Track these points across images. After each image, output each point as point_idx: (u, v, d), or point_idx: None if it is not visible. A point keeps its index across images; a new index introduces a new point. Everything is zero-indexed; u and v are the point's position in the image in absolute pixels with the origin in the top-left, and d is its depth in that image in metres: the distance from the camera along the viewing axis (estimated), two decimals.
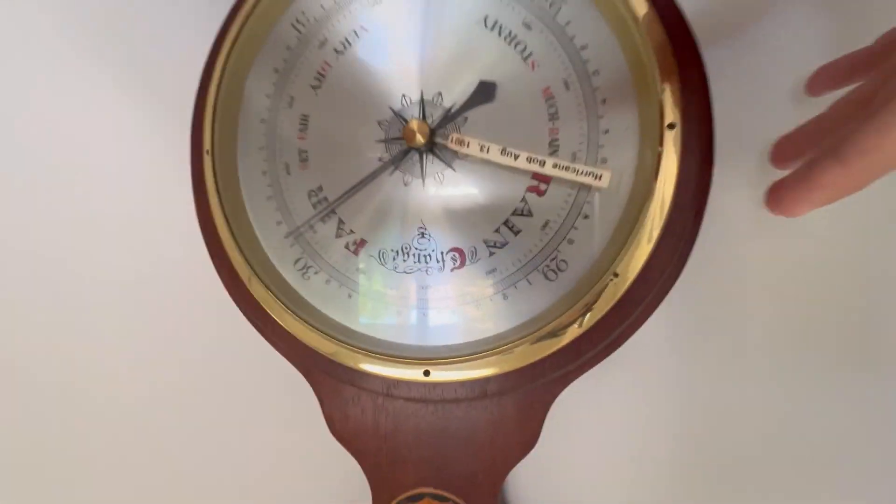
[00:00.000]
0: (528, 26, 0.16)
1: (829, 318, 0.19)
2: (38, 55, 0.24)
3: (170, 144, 0.22)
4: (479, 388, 0.17)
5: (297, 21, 0.18)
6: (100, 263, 0.24)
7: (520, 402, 0.18)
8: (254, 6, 0.17)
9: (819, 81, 0.18)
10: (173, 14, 0.22)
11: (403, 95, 0.17)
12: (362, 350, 0.17)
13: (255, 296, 0.18)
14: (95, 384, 0.25)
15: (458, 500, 0.19)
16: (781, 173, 0.16)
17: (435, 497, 0.19)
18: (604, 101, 0.16)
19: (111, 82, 0.23)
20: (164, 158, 0.22)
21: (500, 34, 0.17)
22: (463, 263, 0.17)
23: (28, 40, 0.24)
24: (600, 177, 0.16)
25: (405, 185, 0.17)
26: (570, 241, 0.16)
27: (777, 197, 0.14)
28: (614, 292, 0.16)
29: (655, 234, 0.16)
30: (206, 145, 0.18)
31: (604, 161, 0.16)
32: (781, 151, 0.18)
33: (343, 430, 0.19)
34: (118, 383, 0.24)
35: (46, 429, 0.25)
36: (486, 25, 0.17)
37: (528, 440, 0.18)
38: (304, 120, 0.18)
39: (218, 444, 0.23)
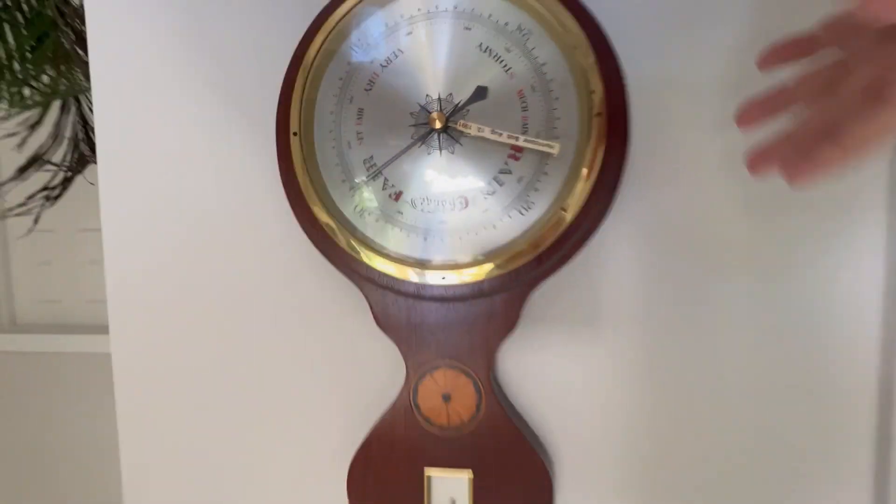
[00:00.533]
0: (508, 50, 0.25)
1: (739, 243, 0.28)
2: (147, 73, 0.32)
3: (256, 130, 0.30)
4: (477, 289, 0.26)
5: (357, 44, 0.26)
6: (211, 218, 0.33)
7: (505, 298, 0.27)
8: (329, 32, 0.26)
9: (769, 59, 0.22)
10: (259, 33, 0.31)
11: (427, 95, 0.26)
12: (401, 264, 0.26)
13: (327, 232, 0.27)
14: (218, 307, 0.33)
15: (465, 367, 0.28)
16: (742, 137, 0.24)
17: (449, 367, 0.28)
18: (556, 98, 0.25)
19: (210, 89, 0.31)
20: (253, 140, 0.31)
21: (489, 55, 0.25)
22: (466, 205, 0.26)
23: (141, 61, 0.32)
24: (554, 147, 0.25)
25: (428, 154, 0.26)
26: (536, 189, 0.25)
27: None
28: (563, 221, 0.25)
29: (590, 182, 0.25)
30: (294, 129, 0.27)
31: (556, 137, 0.25)
32: (748, 113, 0.22)
33: (386, 324, 0.28)
34: (231, 299, 0.33)
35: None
36: (480, 49, 0.25)
37: (511, 324, 0.27)
38: (360, 112, 0.27)
39: (290, 340, 0.32)
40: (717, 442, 0.28)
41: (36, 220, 1.06)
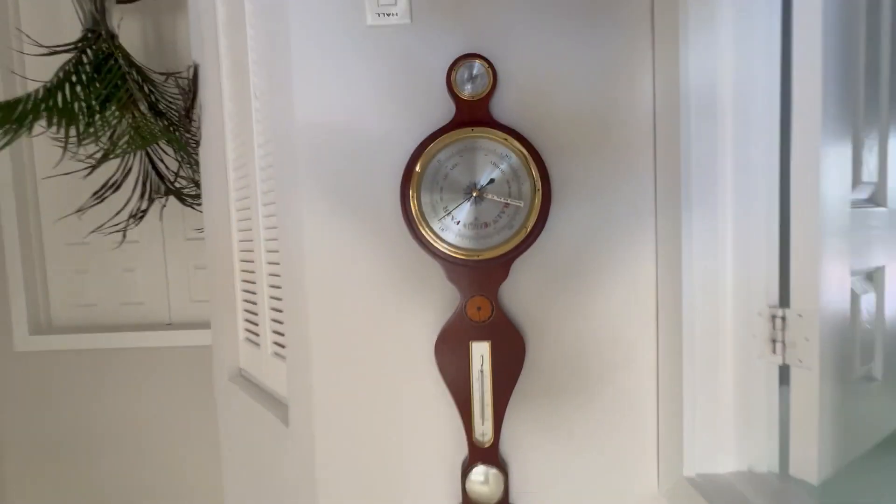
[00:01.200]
0: (501, 164, 0.62)
1: None
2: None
3: (390, 183, 0.66)
4: (489, 261, 0.63)
5: (438, 158, 0.63)
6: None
7: (502, 263, 0.64)
8: (426, 157, 0.62)
9: None
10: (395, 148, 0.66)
11: (470, 181, 0.63)
12: (457, 249, 0.62)
13: (426, 236, 0.63)
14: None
15: (485, 295, 0.64)
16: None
17: (478, 295, 0.64)
18: (520, 183, 0.62)
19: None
20: (387, 184, 0.66)
21: (495, 165, 0.63)
22: (486, 227, 0.63)
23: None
24: (521, 203, 0.62)
25: (470, 205, 0.63)
26: (515, 212, 0.63)
27: None
28: (526, 229, 0.62)
29: (534, 216, 0.62)
30: (412, 194, 0.62)
31: (521, 199, 0.62)
32: None
33: (450, 277, 0.64)
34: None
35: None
36: (491, 163, 0.63)
37: (504, 276, 0.64)
38: (441, 189, 0.63)
39: (408, 291, 0.67)
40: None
41: (124, 236, 1.32)
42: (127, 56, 1.37)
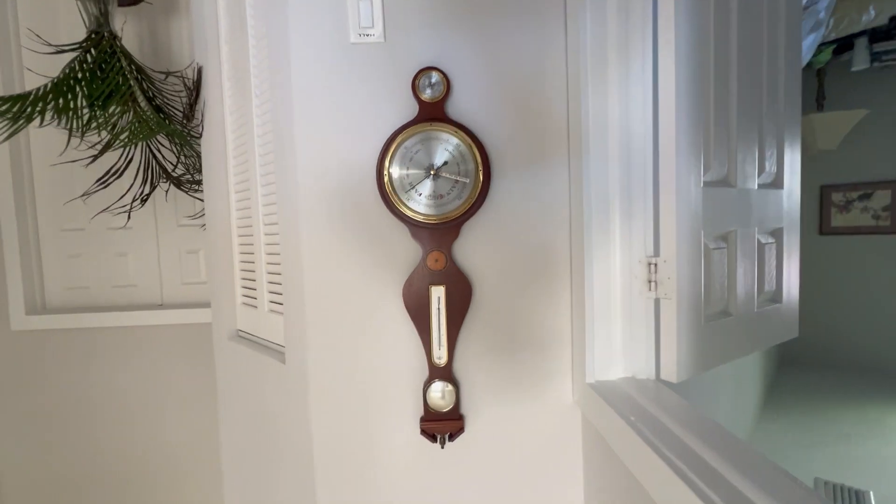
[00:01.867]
0: (452, 149, 0.83)
1: None
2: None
3: (367, 154, 0.86)
4: (445, 223, 0.83)
5: (405, 146, 0.83)
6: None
7: (454, 225, 0.84)
8: (399, 140, 0.82)
9: None
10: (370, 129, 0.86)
11: (430, 164, 0.83)
12: (418, 214, 0.83)
13: (395, 203, 0.83)
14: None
15: (442, 249, 0.85)
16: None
17: (437, 250, 0.85)
18: (466, 163, 0.83)
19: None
20: (363, 160, 0.86)
21: (447, 151, 0.83)
22: (441, 198, 0.83)
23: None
24: (467, 180, 0.83)
25: (429, 181, 0.83)
26: (463, 187, 0.83)
27: None
28: (473, 198, 0.83)
29: (477, 189, 0.83)
30: (385, 172, 0.82)
31: (467, 176, 0.83)
32: None
33: (414, 235, 0.84)
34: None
35: None
36: (445, 150, 0.83)
37: (456, 234, 0.85)
38: (408, 167, 0.83)
39: (377, 246, 0.87)
40: None
41: (129, 217, 1.47)
42: (128, 56, 1.52)
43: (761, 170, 0.97)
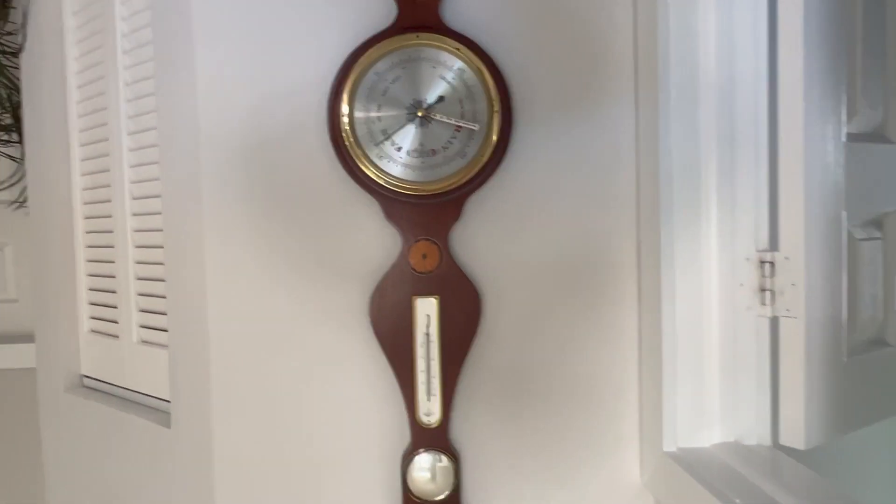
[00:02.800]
0: (453, 78, 0.85)
1: None
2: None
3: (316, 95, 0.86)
4: (440, 196, 0.85)
5: (376, 71, 0.84)
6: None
7: (453, 201, 0.86)
8: (362, 65, 0.83)
9: None
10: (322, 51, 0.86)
11: (414, 98, 0.84)
12: (400, 183, 0.84)
13: (360, 164, 0.84)
14: None
15: (433, 239, 0.86)
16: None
17: (425, 239, 0.86)
18: (476, 102, 0.85)
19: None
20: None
21: (444, 80, 0.85)
22: (434, 154, 0.85)
23: None
24: (476, 126, 0.85)
25: (415, 128, 0.85)
26: (469, 138, 0.85)
27: None
28: (484, 157, 0.85)
29: (494, 138, 0.85)
30: (347, 88, 0.83)
31: (476, 122, 0.85)
32: None
33: (390, 215, 0.85)
34: None
35: None
36: (440, 77, 0.85)
37: (457, 216, 0.86)
38: (380, 107, 0.84)
39: (336, 228, 0.88)
40: None
41: None
42: None
43: None
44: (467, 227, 0.89)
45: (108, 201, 1.13)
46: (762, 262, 0.87)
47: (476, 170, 0.85)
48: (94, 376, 1.21)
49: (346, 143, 0.84)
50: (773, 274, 0.86)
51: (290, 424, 0.88)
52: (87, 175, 1.20)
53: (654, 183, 0.87)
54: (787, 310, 0.84)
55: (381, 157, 0.85)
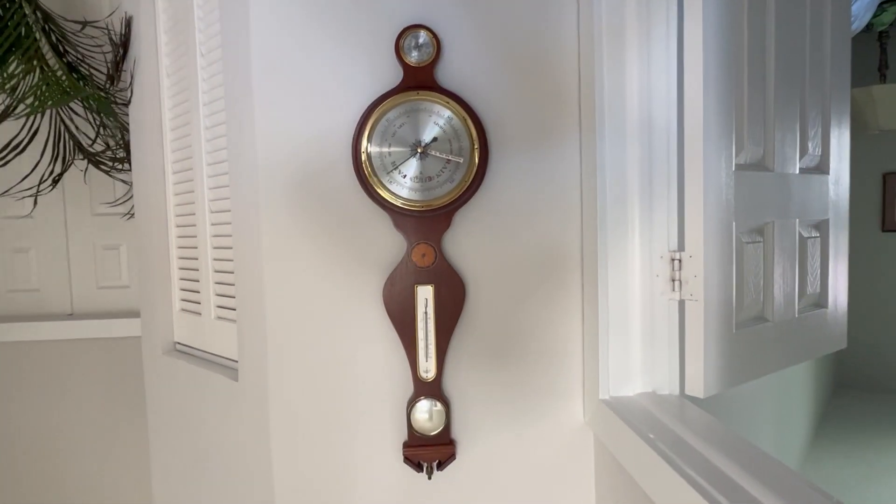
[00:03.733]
0: (444, 124, 0.89)
1: None
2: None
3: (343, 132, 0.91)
4: (433, 210, 0.89)
5: (387, 118, 0.88)
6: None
7: (445, 214, 0.90)
8: (378, 114, 0.88)
9: None
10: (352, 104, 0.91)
11: (416, 139, 0.89)
12: (404, 201, 0.88)
13: (376, 188, 0.88)
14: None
15: (430, 243, 0.90)
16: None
17: (424, 243, 0.90)
18: (461, 141, 0.89)
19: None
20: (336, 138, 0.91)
21: (437, 126, 0.89)
22: (430, 180, 0.89)
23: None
24: (460, 160, 0.89)
25: (416, 161, 0.89)
26: (456, 168, 0.89)
27: None
28: (467, 181, 0.89)
29: (475, 168, 0.89)
30: (363, 150, 0.88)
31: (461, 156, 0.89)
32: None
33: (397, 226, 0.90)
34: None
35: None
36: (434, 123, 0.89)
37: (447, 225, 0.91)
38: (390, 145, 0.89)
39: (357, 235, 0.92)
40: None
41: (35, 203, 1.49)
42: (33, 1, 1.54)
43: (803, 151, 1.06)
44: (455, 233, 0.94)
45: (193, 214, 1.18)
46: (672, 259, 0.90)
47: (462, 191, 0.90)
48: (183, 342, 1.26)
49: (366, 172, 0.89)
50: (680, 268, 0.90)
51: (327, 378, 0.93)
52: (178, 195, 1.25)
53: (593, 201, 0.91)
54: (691, 294, 0.88)
55: (391, 182, 0.89)
